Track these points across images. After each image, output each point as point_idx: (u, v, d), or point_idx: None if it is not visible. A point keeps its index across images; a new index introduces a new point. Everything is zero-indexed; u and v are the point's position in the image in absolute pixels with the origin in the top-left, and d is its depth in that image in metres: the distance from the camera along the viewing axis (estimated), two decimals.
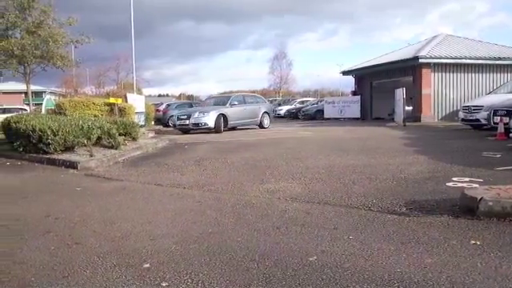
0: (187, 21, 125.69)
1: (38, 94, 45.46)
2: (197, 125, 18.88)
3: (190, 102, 42.78)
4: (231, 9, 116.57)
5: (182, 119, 19.72)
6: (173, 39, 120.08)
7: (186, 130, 19.52)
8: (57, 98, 36.67)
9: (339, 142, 12.70)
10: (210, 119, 18.76)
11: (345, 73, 32.66)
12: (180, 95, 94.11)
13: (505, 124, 12.01)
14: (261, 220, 4.78)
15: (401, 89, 21.44)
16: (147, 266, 3.50)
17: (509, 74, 23.80)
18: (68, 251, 3.92)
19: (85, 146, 10.18)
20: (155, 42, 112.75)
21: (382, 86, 27.57)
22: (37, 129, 9.83)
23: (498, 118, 12.73)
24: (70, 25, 19.07)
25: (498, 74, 23.90)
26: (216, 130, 18.72)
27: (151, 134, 17.55)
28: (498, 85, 21.61)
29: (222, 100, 21.61)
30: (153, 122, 26.67)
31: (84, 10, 75.08)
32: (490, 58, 23.58)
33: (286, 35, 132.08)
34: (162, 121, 28.14)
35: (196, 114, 19.19)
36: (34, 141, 9.87)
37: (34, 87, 28.36)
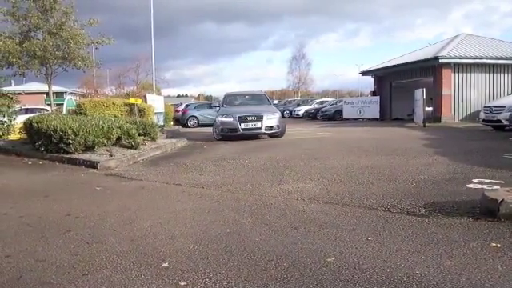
0: (209, 22, 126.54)
1: (59, 95, 46.00)
2: (271, 128, 14.95)
3: (210, 102, 43.00)
4: (253, 10, 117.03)
5: (248, 121, 14.79)
6: (195, 40, 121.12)
7: (252, 136, 14.96)
8: (77, 98, 37.12)
9: (358, 143, 12.62)
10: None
11: (364, 73, 32.45)
12: (199, 96, 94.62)
13: None
14: (279, 220, 4.78)
15: (421, 89, 21.23)
16: (166, 265, 3.53)
17: None
18: (88, 250, 3.98)
19: (105, 145, 10.30)
20: (177, 43, 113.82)
21: (402, 86, 27.33)
22: (58, 129, 9.98)
23: None
24: (91, 26, 19.26)
25: None
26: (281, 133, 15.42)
27: (173, 139, 17.64)
28: None
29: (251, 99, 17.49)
30: (172, 123, 26.86)
31: (107, 12, 76.20)
32: (511, 58, 23.18)
33: (306, 35, 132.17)
34: (180, 121, 28.33)
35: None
36: (55, 141, 10.03)
37: (55, 88, 28.71)
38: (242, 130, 14.62)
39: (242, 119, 14.66)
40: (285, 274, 3.27)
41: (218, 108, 16.48)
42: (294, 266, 3.42)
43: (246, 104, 16.79)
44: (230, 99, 17.24)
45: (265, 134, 15.01)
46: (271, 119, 14.87)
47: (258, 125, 14.63)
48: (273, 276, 3.24)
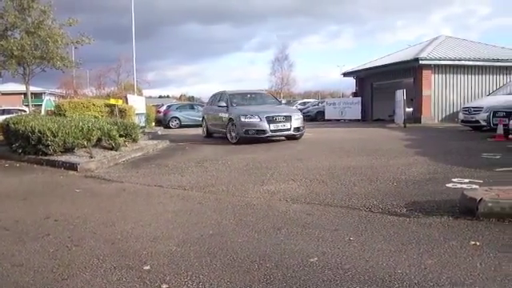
0: (193, 23, 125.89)
1: (38, 95, 45.41)
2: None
3: (192, 103, 42.80)
4: (236, 11, 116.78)
5: (277, 121, 13.38)
6: (178, 41, 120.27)
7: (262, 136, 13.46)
8: (56, 99, 36.67)
9: (340, 143, 12.68)
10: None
11: (346, 74, 32.63)
12: (181, 96, 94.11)
13: (504, 125, 12.00)
14: (261, 221, 4.78)
15: (401, 90, 21.43)
16: (147, 267, 3.49)
17: (508, 76, 23.76)
18: (67, 253, 3.91)
19: (85, 147, 10.17)
20: (160, 43, 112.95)
21: (383, 87, 27.54)
22: (36, 130, 9.82)
23: (498, 119, 12.74)
24: (70, 25, 19.02)
25: (498, 76, 23.87)
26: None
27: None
28: (498, 86, 21.60)
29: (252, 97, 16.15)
30: (153, 123, 26.67)
31: (89, 12, 75.29)
32: (489, 60, 23.56)
33: (289, 37, 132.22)
34: (162, 122, 28.13)
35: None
36: (33, 142, 9.86)
37: (33, 88, 28.33)
38: (271, 131, 13.20)
39: (271, 120, 13.23)
40: (268, 274, 3.26)
41: (224, 108, 14.44)
42: (277, 266, 3.41)
43: (259, 103, 15.25)
44: (236, 99, 15.29)
45: (293, 135, 13.69)
46: (298, 119, 13.77)
47: (288, 125, 13.35)
48: (256, 277, 3.23)
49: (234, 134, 13.67)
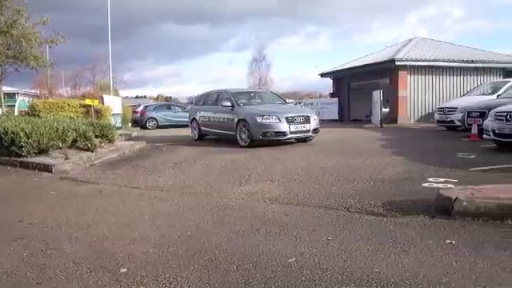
0: (171, 23, 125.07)
1: (11, 96, 44.45)
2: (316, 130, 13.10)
3: (169, 103, 42.48)
4: (215, 11, 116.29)
5: (296, 122, 12.55)
6: (156, 41, 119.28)
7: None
8: (30, 99, 36.02)
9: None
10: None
11: (323, 75, 32.79)
12: (158, 97, 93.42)
13: (478, 125, 12.19)
14: (240, 222, 4.76)
15: (378, 91, 21.66)
16: (124, 270, 3.44)
17: (482, 77, 24.25)
18: (42, 257, 3.84)
19: (60, 148, 10.00)
20: (138, 43, 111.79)
21: (360, 87, 27.80)
22: (9, 131, 9.61)
23: (472, 119, 12.95)
24: (44, 24, 18.67)
25: (472, 77, 24.34)
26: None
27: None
28: (472, 87, 22.02)
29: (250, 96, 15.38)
30: (130, 124, 26.42)
31: (65, 11, 73.97)
32: (464, 61, 24.00)
33: (268, 37, 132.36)
34: (139, 123, 27.87)
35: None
36: (6, 143, 9.64)
37: (6, 88, 27.81)
38: (291, 132, 12.27)
39: (291, 120, 12.28)
40: (246, 276, 3.25)
41: (228, 108, 13.40)
42: (256, 267, 3.41)
43: (267, 103, 14.29)
44: (242, 98, 14.28)
45: (311, 136, 12.95)
46: (315, 120, 12.93)
47: (307, 127, 12.51)
48: (234, 278, 3.21)
49: (244, 136, 12.61)
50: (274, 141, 12.24)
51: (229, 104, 13.49)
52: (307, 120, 12.59)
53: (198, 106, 16.39)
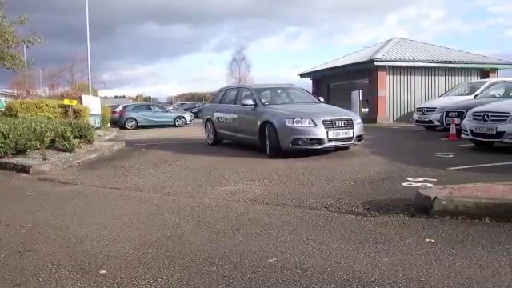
0: (151, 23, 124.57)
1: None
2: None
3: (149, 103, 42.21)
4: (195, 11, 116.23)
5: (336, 127, 9.87)
6: (135, 41, 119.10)
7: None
8: (7, 99, 35.43)
9: None
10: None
11: (303, 75, 32.96)
12: (137, 97, 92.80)
13: (456, 125, 12.38)
14: (220, 222, 4.75)
15: (357, 91, 21.88)
16: (104, 271, 3.41)
17: (460, 77, 24.67)
18: (20, 259, 3.77)
19: (38, 149, 9.86)
20: (117, 43, 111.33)
21: (339, 88, 28.01)
22: None
23: (450, 119, 13.15)
24: (22, 23, 18.38)
25: (450, 77, 24.76)
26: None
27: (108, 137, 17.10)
28: (450, 87, 22.35)
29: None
30: (109, 124, 26.17)
31: (43, 10, 73.09)
32: (442, 62, 24.38)
33: (248, 38, 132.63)
34: (118, 123, 27.61)
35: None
36: None
37: None
38: (330, 140, 9.65)
39: (329, 125, 9.71)
40: (227, 276, 3.24)
41: (252, 107, 11.07)
42: (236, 268, 3.40)
43: (296, 102, 11.79)
44: (266, 95, 11.94)
45: (354, 145, 10.47)
46: (359, 124, 10.27)
47: (350, 133, 9.88)
48: (215, 279, 3.20)
49: (271, 144, 10.04)
50: (306, 150, 9.76)
51: (251, 102, 11.20)
52: (350, 124, 9.96)
53: (214, 105, 13.86)
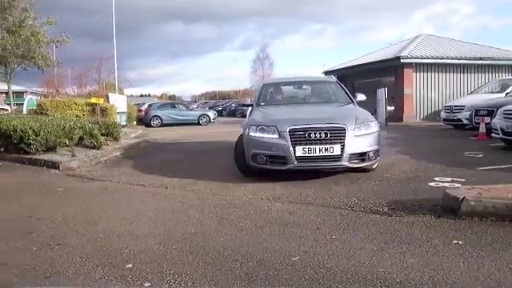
0: (176, 22, 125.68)
1: (19, 94, 44.83)
2: None
3: (173, 101, 42.54)
4: (220, 10, 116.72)
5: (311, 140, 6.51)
6: (160, 40, 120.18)
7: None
8: (38, 98, 36.19)
9: None
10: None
11: (327, 73, 32.64)
12: (162, 95, 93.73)
13: (486, 124, 12.11)
14: (244, 220, 4.77)
15: (382, 89, 21.53)
16: (130, 266, 3.47)
17: (490, 74, 24.03)
18: (50, 252, 3.87)
19: (67, 146, 10.06)
20: (142, 42, 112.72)
21: (364, 86, 27.60)
22: (18, 129, 9.68)
23: (480, 117, 12.86)
24: (51, 24, 18.83)
25: (480, 74, 24.14)
26: None
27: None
28: (480, 85, 21.85)
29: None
30: (135, 122, 26.48)
31: (70, 11, 74.41)
32: (471, 58, 23.78)
33: (271, 36, 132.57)
34: (143, 121, 27.93)
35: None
36: (15, 141, 9.71)
37: (15, 87, 28.00)
38: (298, 159, 6.54)
39: (300, 136, 6.59)
40: (250, 273, 3.26)
41: (249, 109, 8.93)
42: (259, 265, 3.41)
43: (315, 103, 9.02)
44: (279, 92, 9.47)
45: (348, 169, 6.92)
46: (366, 136, 6.87)
47: (335, 150, 6.54)
48: (238, 276, 3.22)
49: (248, 159, 7.13)
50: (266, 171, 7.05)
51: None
52: (336, 136, 6.58)
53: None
